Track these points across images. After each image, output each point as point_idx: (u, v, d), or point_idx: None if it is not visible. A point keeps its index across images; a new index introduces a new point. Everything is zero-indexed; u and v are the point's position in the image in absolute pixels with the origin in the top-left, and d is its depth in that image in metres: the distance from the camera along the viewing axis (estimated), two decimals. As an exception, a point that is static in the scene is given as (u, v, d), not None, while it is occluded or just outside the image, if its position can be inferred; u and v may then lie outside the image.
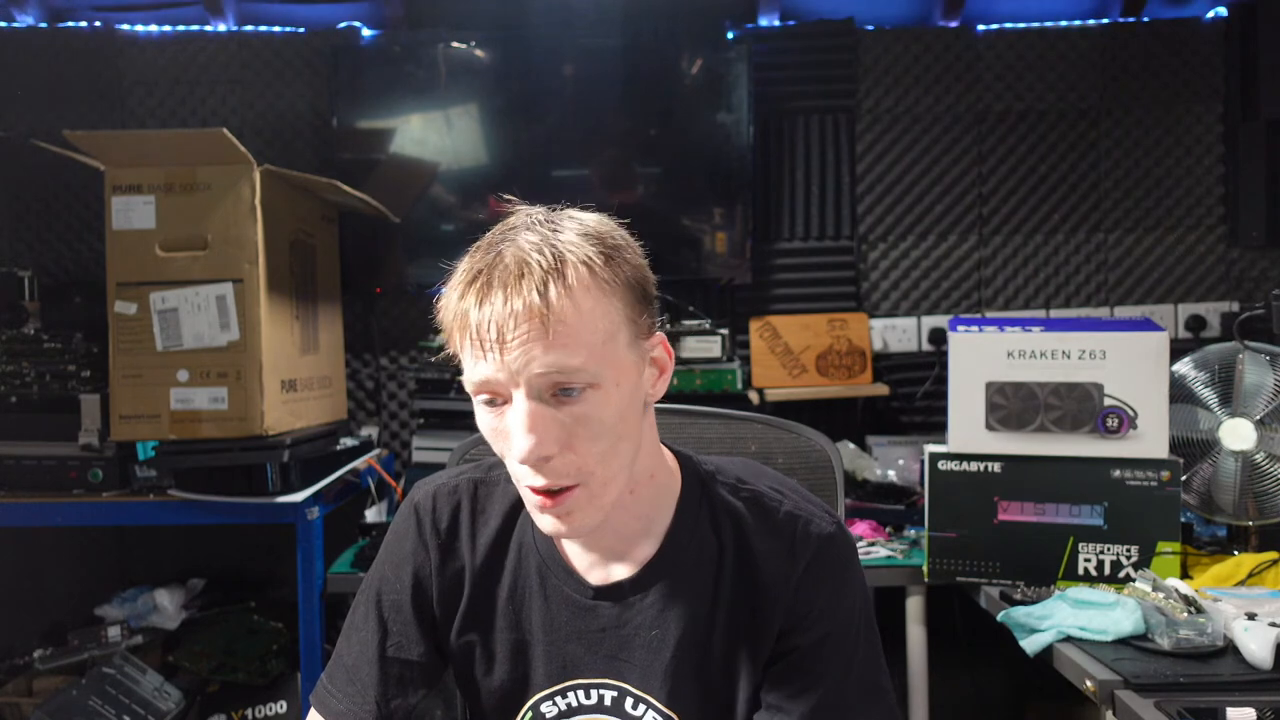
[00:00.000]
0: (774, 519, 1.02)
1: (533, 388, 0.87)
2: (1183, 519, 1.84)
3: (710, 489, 1.03)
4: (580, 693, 1.03)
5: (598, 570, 1.03)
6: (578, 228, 0.91)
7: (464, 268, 0.90)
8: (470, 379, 0.90)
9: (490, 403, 0.90)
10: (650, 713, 1.01)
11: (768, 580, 1.00)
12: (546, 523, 0.93)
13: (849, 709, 1.00)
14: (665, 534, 1.01)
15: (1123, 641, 1.56)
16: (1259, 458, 1.89)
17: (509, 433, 0.89)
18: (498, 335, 0.86)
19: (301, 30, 2.80)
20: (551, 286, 0.86)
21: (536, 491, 0.91)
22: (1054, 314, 2.84)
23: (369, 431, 2.77)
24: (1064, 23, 2.84)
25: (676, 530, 1.01)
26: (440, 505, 1.07)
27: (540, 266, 0.86)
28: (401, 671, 1.06)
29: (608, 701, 1.03)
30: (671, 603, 1.01)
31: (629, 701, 1.02)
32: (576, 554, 1.03)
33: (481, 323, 0.86)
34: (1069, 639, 1.60)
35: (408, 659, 1.06)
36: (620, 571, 1.02)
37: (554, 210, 0.95)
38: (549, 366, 0.86)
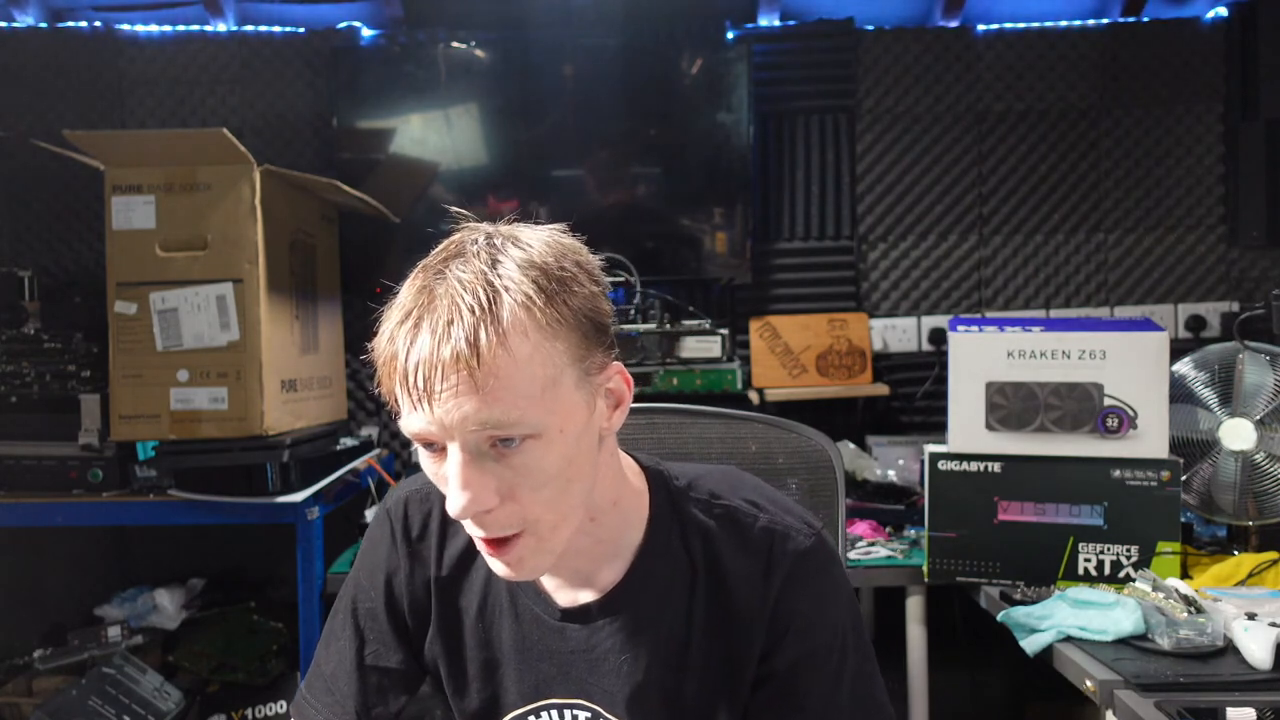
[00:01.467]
0: (748, 536, 0.97)
1: (466, 441, 0.82)
2: (1183, 519, 1.84)
3: (681, 507, 0.99)
4: (554, 713, 1.01)
5: (565, 592, 1.00)
6: (520, 257, 0.83)
7: (399, 301, 0.84)
8: (405, 429, 0.84)
9: (429, 446, 0.85)
10: None
11: (744, 600, 0.96)
12: (496, 566, 0.90)
13: None
14: (634, 556, 0.98)
15: (1123, 641, 1.56)
16: (1259, 458, 1.89)
17: (447, 481, 0.84)
18: (425, 385, 0.80)
19: (301, 30, 2.79)
20: (483, 333, 0.79)
21: (481, 539, 0.88)
22: (1054, 314, 2.84)
23: (369, 431, 2.77)
24: (1064, 23, 2.84)
25: (645, 553, 0.98)
26: (412, 512, 1.05)
27: (472, 311, 0.79)
28: (380, 680, 1.04)
29: None
30: (642, 626, 0.97)
31: None
32: (549, 574, 1.00)
33: (409, 371, 0.80)
34: (1069, 639, 1.60)
35: (386, 667, 1.04)
36: (588, 594, 0.99)
37: (503, 227, 0.88)
38: (482, 424, 0.80)
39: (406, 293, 0.84)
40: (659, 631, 0.98)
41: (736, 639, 0.97)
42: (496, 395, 0.80)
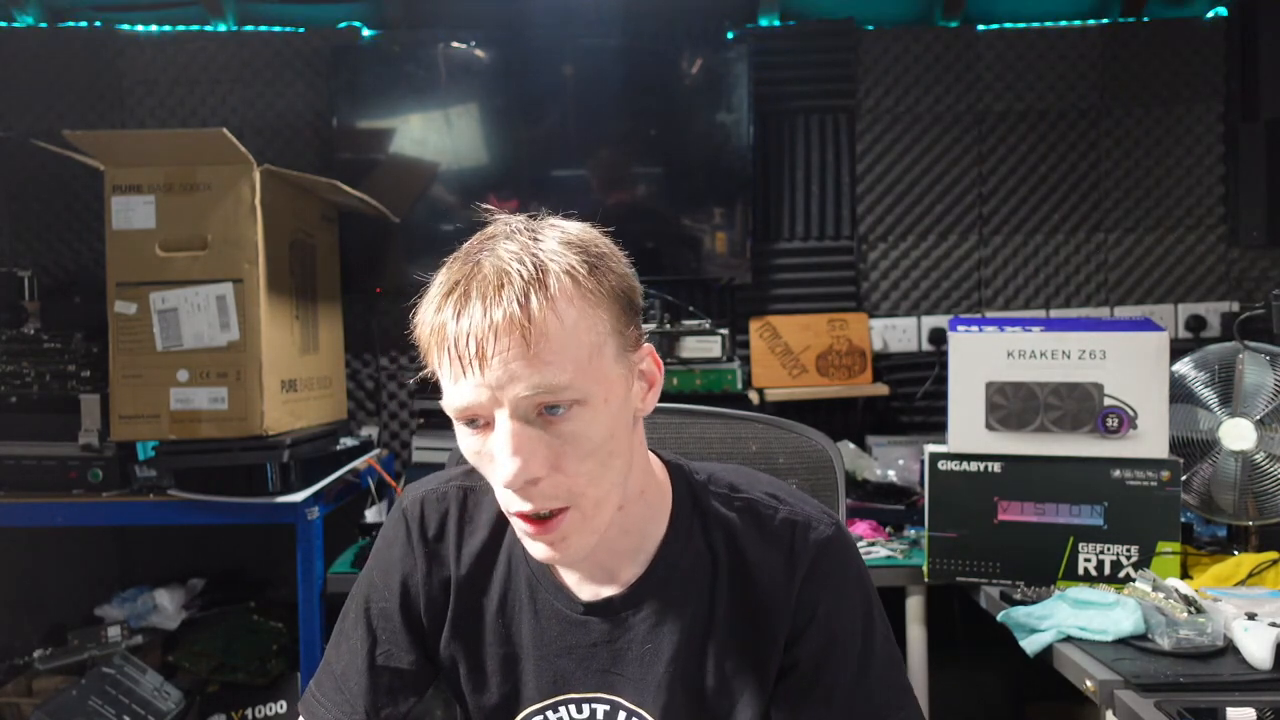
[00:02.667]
0: (769, 527, 0.99)
1: (517, 408, 0.83)
2: (1183, 519, 1.84)
3: (702, 500, 1.01)
4: (572, 707, 1.01)
5: (588, 586, 1.00)
6: (560, 236, 0.88)
7: (440, 280, 0.86)
8: (450, 404, 0.85)
9: (472, 423, 0.86)
10: None
11: (766, 591, 0.98)
12: (539, 550, 0.90)
13: (877, 710, 0.98)
14: (657, 549, 0.99)
15: (1123, 641, 1.56)
16: (1259, 458, 1.89)
17: (493, 455, 0.85)
18: (477, 350, 0.81)
19: (301, 30, 2.79)
20: (533, 297, 0.82)
21: (525, 518, 0.88)
22: (1054, 314, 2.84)
23: (369, 431, 2.77)
24: (1064, 23, 2.84)
25: (669, 545, 0.99)
26: (428, 512, 1.05)
27: (521, 276, 0.82)
28: (391, 680, 1.04)
29: (600, 716, 1.01)
30: (665, 617, 0.98)
31: (622, 715, 1.00)
32: (566, 569, 1.01)
33: (460, 336, 0.82)
34: (1069, 639, 1.60)
35: (398, 667, 1.05)
36: (610, 589, 0.99)
37: (534, 218, 0.91)
38: (534, 388, 0.82)
39: (448, 271, 0.87)
40: (682, 622, 0.98)
41: (760, 629, 0.98)
42: (547, 358, 0.82)
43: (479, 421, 0.86)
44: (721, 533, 1.00)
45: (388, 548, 1.07)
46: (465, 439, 0.88)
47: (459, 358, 0.83)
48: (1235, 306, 2.79)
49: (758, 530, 0.99)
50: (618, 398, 0.88)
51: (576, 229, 0.90)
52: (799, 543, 0.98)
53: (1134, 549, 1.81)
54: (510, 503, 0.88)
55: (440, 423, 2.51)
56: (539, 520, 0.87)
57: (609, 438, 0.87)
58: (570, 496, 0.87)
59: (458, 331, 0.83)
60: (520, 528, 0.90)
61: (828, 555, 0.98)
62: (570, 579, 1.01)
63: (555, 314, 0.82)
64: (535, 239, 0.87)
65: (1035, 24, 2.83)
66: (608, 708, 1.01)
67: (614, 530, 0.95)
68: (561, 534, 0.88)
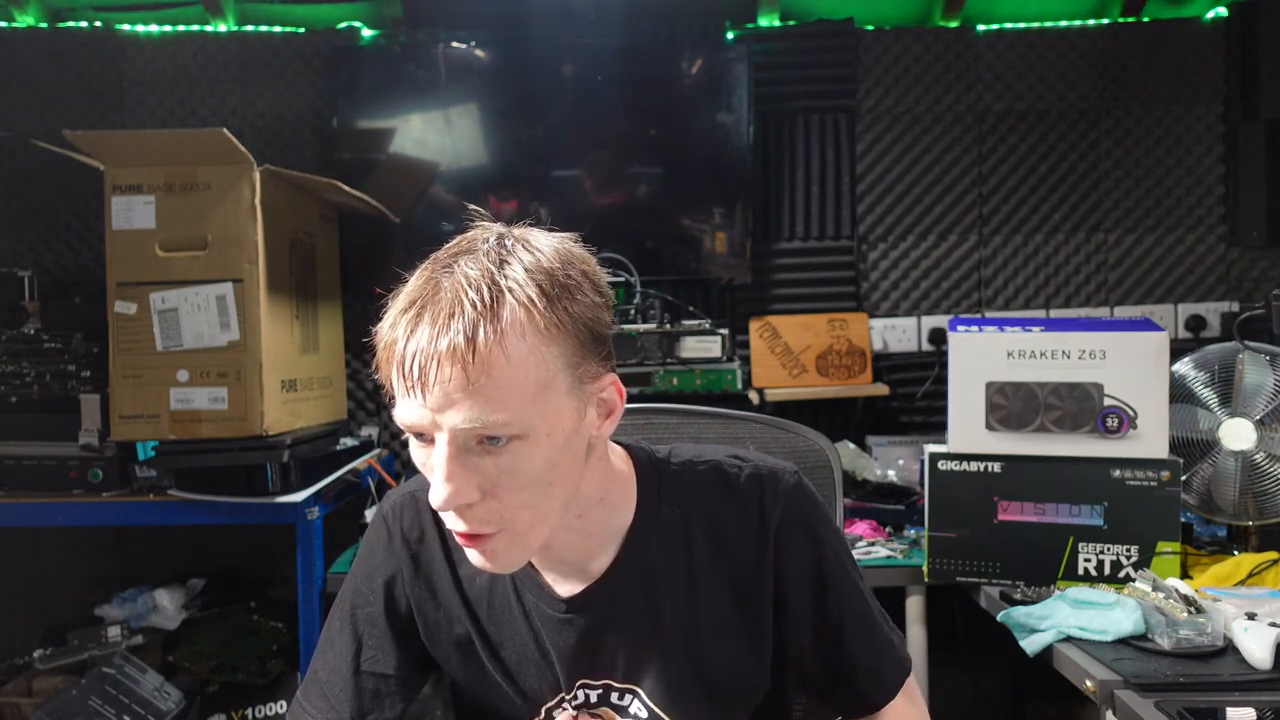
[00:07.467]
0: (736, 485, 1.02)
1: (455, 436, 0.83)
2: (1183, 519, 1.84)
3: (666, 473, 1.02)
4: (568, 703, 1.03)
5: (565, 582, 1.01)
6: (528, 261, 0.85)
7: (405, 290, 0.86)
8: (398, 417, 0.86)
9: (420, 436, 0.86)
10: (635, 702, 1.02)
11: (743, 547, 1.01)
12: (473, 557, 0.91)
13: (877, 624, 1.07)
14: (625, 538, 1.00)
15: (1123, 641, 1.56)
16: (1259, 458, 1.89)
17: (433, 471, 0.86)
18: (420, 374, 0.81)
19: (301, 30, 2.79)
20: (482, 329, 0.80)
21: (458, 532, 0.89)
22: (1054, 314, 2.84)
23: (369, 431, 2.76)
24: (1064, 23, 2.84)
25: (637, 530, 1.00)
26: (408, 515, 1.05)
27: (474, 306, 0.80)
28: (377, 686, 1.04)
29: (593, 699, 1.03)
30: (644, 597, 1.00)
31: (614, 695, 1.03)
32: (544, 567, 1.02)
33: (405, 358, 0.82)
34: (1069, 639, 1.60)
35: (383, 673, 1.05)
36: (586, 580, 1.01)
37: (515, 229, 0.89)
38: (471, 420, 0.81)
39: (414, 282, 0.86)
40: (664, 598, 1.00)
41: (746, 587, 1.01)
42: (487, 393, 0.81)
43: (425, 436, 0.86)
44: (689, 499, 1.02)
45: (370, 553, 1.07)
46: (414, 450, 0.89)
47: (404, 378, 0.83)
48: (1235, 306, 2.78)
49: (725, 488, 1.02)
50: (564, 431, 0.87)
51: (551, 250, 0.87)
52: (768, 493, 1.01)
53: (1134, 549, 1.81)
54: (445, 518, 0.89)
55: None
56: (471, 535, 0.88)
57: (549, 469, 0.87)
58: (502, 522, 0.87)
59: (405, 352, 0.82)
60: (456, 537, 0.91)
61: (796, 497, 1.03)
62: (549, 576, 1.02)
63: (502, 348, 0.81)
64: (502, 262, 0.84)
65: (1035, 24, 2.83)
66: (600, 690, 1.02)
67: (576, 535, 0.97)
68: (492, 549, 0.89)
